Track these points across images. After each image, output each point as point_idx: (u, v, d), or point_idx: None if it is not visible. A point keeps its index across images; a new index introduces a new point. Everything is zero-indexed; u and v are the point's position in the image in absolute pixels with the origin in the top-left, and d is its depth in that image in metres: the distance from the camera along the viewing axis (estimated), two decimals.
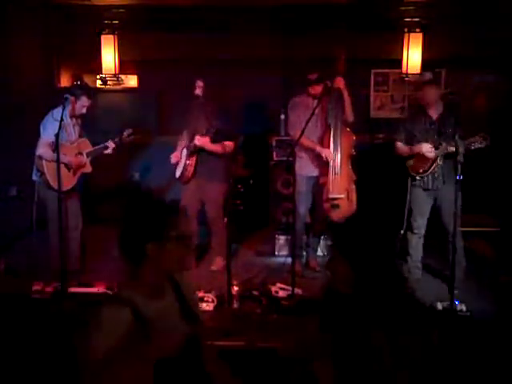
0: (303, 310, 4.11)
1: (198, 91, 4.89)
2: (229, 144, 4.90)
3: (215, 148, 4.88)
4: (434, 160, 4.56)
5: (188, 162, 4.95)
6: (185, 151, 5.02)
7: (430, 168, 4.59)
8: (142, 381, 1.80)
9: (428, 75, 4.57)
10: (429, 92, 4.60)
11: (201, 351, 2.00)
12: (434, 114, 4.64)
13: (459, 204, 4.16)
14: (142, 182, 6.57)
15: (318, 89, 4.77)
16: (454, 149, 4.30)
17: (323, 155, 4.82)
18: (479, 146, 4.43)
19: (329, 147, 4.82)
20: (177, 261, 1.92)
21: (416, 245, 4.79)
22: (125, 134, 5.00)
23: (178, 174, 5.05)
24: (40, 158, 4.65)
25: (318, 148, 4.85)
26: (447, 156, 4.50)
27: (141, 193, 2.04)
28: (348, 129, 4.90)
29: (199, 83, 4.89)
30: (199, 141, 4.84)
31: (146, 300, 1.89)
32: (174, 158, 5.07)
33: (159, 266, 1.90)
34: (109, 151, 4.93)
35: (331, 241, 5.47)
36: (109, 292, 4.45)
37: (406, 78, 6.30)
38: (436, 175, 4.61)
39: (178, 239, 1.89)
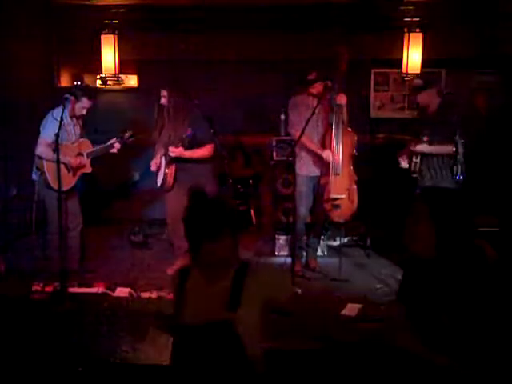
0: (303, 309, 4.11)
1: (163, 101, 4.76)
2: (207, 147, 4.80)
3: (192, 155, 4.76)
4: (411, 157, 4.58)
5: (167, 170, 4.81)
6: (163, 159, 4.89)
7: (409, 164, 4.62)
8: None
9: (418, 81, 4.62)
10: (421, 97, 4.62)
11: (232, 341, 2.11)
12: (430, 110, 4.65)
13: None
14: (142, 182, 6.58)
15: (318, 87, 4.78)
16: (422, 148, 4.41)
17: (324, 156, 4.82)
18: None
19: (330, 147, 4.81)
20: (230, 253, 2.15)
21: None
22: (125, 136, 4.98)
23: (159, 182, 4.93)
24: (40, 157, 4.64)
25: (319, 151, 4.86)
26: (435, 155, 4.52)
27: (203, 196, 2.22)
28: (349, 128, 4.90)
29: (163, 93, 4.75)
30: (174, 152, 4.72)
31: (196, 274, 2.24)
32: (153, 166, 4.95)
33: (214, 257, 2.12)
34: (114, 150, 4.91)
35: None
36: (109, 292, 4.45)
37: (406, 78, 6.31)
38: (423, 173, 4.58)
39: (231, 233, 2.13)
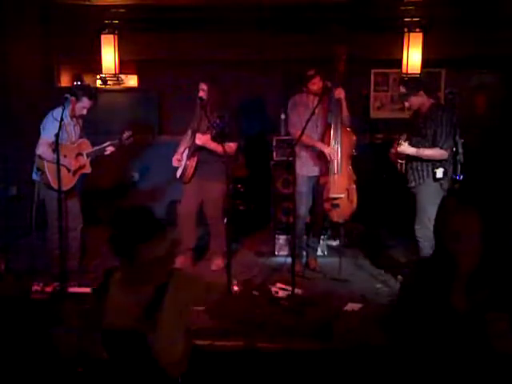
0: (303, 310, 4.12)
1: (202, 94, 4.84)
2: (230, 145, 4.80)
3: (216, 147, 4.78)
4: (399, 159, 4.60)
5: (188, 162, 4.94)
6: (186, 151, 5.01)
7: (397, 166, 4.64)
8: None
9: (401, 90, 4.63)
10: (411, 102, 4.58)
11: (147, 354, 2.16)
12: (422, 112, 4.61)
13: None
14: (142, 182, 6.58)
15: (318, 83, 4.78)
16: (403, 149, 4.38)
17: (326, 152, 4.81)
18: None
19: (329, 145, 4.81)
20: (162, 262, 2.22)
21: None
22: (124, 136, 4.99)
23: (178, 174, 5.04)
24: (40, 157, 4.64)
25: (320, 145, 4.85)
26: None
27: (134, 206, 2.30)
28: (348, 128, 4.90)
29: (203, 86, 4.84)
30: (200, 139, 4.83)
31: (119, 276, 2.32)
32: (175, 162, 5.06)
33: (145, 264, 2.18)
34: (108, 152, 4.94)
35: None
36: None
37: (406, 78, 6.30)
38: (409, 174, 4.59)
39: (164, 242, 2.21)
